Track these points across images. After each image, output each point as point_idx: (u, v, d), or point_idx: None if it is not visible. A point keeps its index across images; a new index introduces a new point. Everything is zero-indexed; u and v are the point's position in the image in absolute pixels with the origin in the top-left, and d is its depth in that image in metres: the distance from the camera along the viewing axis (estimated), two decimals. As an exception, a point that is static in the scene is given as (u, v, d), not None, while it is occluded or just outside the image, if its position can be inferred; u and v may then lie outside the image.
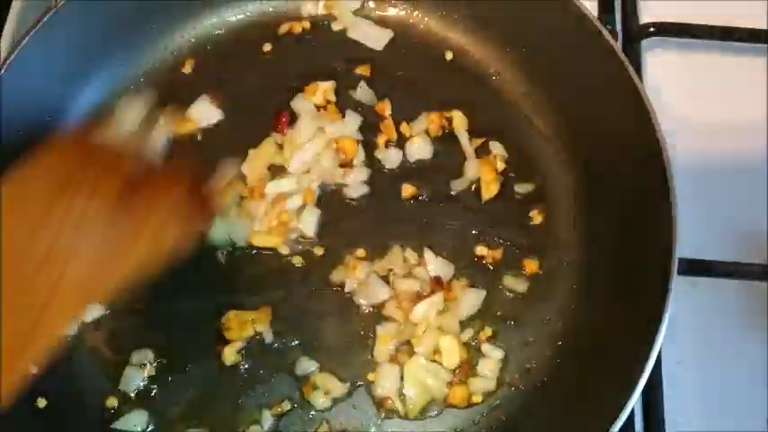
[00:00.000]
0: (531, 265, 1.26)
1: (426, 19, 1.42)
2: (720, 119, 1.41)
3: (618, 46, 1.22)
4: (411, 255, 1.26)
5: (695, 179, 1.31)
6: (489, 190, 1.30)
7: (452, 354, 1.20)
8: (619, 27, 1.47)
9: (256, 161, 1.31)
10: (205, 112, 1.36)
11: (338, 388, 1.19)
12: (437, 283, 1.23)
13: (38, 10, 1.25)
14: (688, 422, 1.20)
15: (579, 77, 1.28)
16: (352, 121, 1.33)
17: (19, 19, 1.43)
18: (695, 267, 1.22)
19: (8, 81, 1.20)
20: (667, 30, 1.45)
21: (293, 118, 1.34)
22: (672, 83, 1.43)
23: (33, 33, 1.22)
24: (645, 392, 1.10)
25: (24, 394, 1.09)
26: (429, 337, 1.20)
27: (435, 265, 1.25)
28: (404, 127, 1.34)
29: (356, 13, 1.42)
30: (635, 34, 1.45)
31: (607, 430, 1.03)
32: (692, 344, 1.24)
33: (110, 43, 1.34)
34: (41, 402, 1.15)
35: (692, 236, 1.21)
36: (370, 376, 1.20)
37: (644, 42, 1.45)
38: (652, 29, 1.45)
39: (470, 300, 1.22)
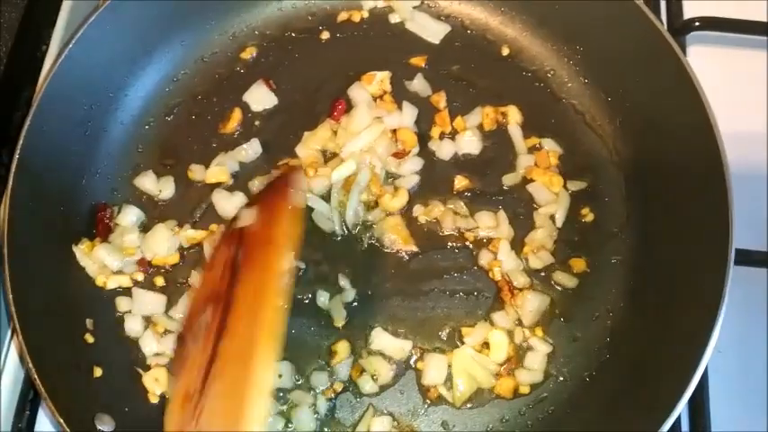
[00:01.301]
0: (580, 263, 1.26)
1: (484, 15, 1.43)
2: (762, 114, 1.41)
3: (677, 45, 1.22)
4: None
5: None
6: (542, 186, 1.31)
7: (501, 348, 1.20)
8: (664, 21, 1.46)
9: (311, 143, 1.33)
10: (261, 98, 1.38)
11: (386, 373, 1.20)
12: (508, 289, 1.24)
13: (87, 9, 1.28)
14: (728, 411, 1.19)
15: (635, 76, 1.29)
16: (410, 112, 1.35)
17: (69, 17, 1.46)
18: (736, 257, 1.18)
19: (75, 56, 1.24)
20: (713, 24, 1.45)
21: (349, 106, 1.36)
22: (714, 78, 1.42)
23: (99, 13, 1.25)
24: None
25: (81, 364, 1.14)
26: (480, 330, 1.21)
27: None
28: (458, 120, 1.35)
29: (415, 6, 1.44)
30: (680, 29, 1.45)
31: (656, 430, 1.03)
32: (730, 332, 1.21)
33: (172, 26, 1.37)
34: (97, 372, 1.17)
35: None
36: (419, 365, 1.20)
37: (687, 37, 1.45)
38: (697, 23, 1.44)
39: (534, 303, 1.23)
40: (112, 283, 1.24)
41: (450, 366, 1.20)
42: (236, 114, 1.36)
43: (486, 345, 1.21)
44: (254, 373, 0.90)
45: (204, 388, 0.96)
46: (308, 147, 1.33)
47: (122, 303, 1.24)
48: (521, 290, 1.24)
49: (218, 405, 0.93)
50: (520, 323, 1.22)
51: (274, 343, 0.93)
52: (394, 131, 1.33)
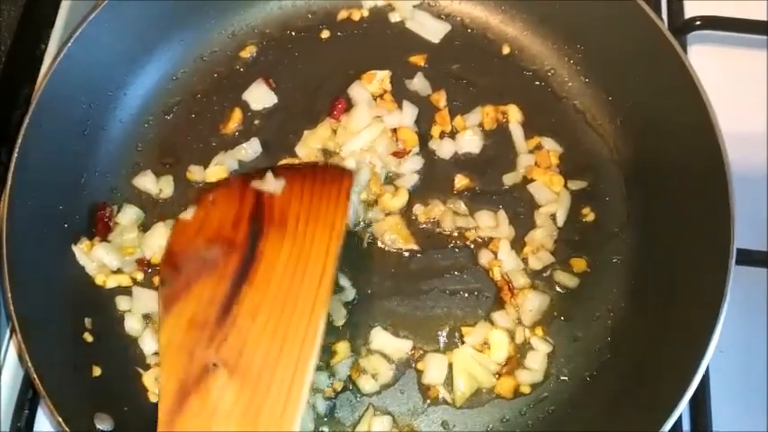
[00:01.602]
0: (581, 262, 1.26)
1: (485, 14, 1.42)
2: (763, 113, 1.41)
3: (678, 45, 1.22)
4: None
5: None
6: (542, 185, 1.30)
7: (501, 348, 1.20)
8: (665, 20, 1.46)
9: (311, 142, 1.33)
10: (260, 97, 1.37)
11: (385, 373, 1.19)
12: (508, 288, 1.24)
13: (86, 8, 1.27)
14: (729, 410, 1.19)
15: (636, 75, 1.29)
16: (410, 112, 1.34)
17: (68, 16, 1.45)
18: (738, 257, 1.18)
19: (74, 54, 1.23)
20: (714, 24, 1.45)
21: (349, 105, 1.35)
22: (715, 77, 1.41)
23: (98, 11, 1.25)
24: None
25: (80, 363, 1.14)
26: (480, 330, 1.21)
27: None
28: (458, 120, 1.35)
29: (415, 5, 1.43)
30: (681, 28, 1.45)
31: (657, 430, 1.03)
32: (731, 332, 1.21)
33: (171, 24, 1.37)
34: (96, 371, 1.16)
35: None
36: (419, 364, 1.20)
37: (688, 36, 1.45)
38: (698, 22, 1.44)
39: (534, 303, 1.23)
40: (112, 283, 1.24)
41: (450, 366, 1.19)
42: (237, 114, 1.36)
43: (486, 344, 1.21)
44: (306, 332, 1.07)
45: (223, 323, 1.08)
46: (308, 146, 1.33)
47: (122, 302, 1.23)
48: (521, 290, 1.23)
49: (254, 345, 1.06)
50: (520, 323, 1.22)
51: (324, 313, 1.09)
52: (394, 131, 1.33)
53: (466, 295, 1.24)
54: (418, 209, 1.29)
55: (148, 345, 1.20)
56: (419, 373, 1.20)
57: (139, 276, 1.25)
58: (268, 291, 1.10)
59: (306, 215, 1.17)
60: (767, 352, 1.23)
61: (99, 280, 1.24)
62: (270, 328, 1.07)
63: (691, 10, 1.47)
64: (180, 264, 1.16)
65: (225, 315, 1.09)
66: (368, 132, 1.31)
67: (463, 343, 1.21)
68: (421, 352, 1.21)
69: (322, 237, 1.14)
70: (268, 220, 1.17)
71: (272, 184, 1.21)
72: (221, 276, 1.12)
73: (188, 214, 1.23)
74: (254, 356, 1.06)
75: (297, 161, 1.32)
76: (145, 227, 1.28)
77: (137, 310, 1.23)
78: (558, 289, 1.25)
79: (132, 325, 1.22)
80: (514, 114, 1.35)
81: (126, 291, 1.24)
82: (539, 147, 1.34)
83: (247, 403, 1.03)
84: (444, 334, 1.22)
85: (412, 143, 1.32)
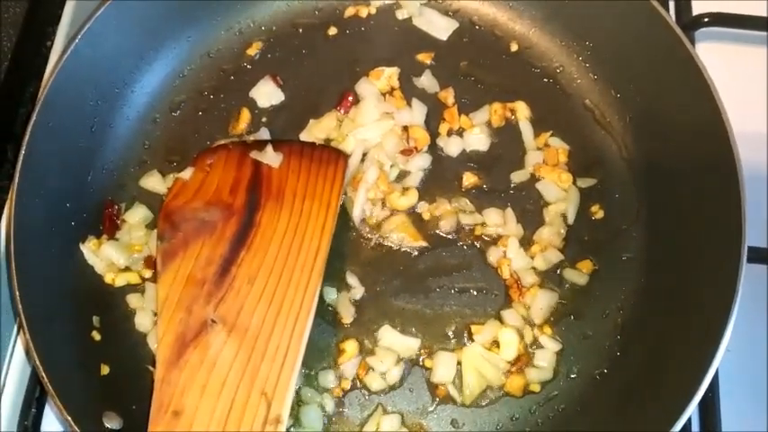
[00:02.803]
0: (590, 260, 1.25)
1: (492, 11, 1.42)
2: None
3: (688, 42, 1.21)
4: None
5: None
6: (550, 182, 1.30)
7: (511, 346, 1.19)
8: (672, 17, 1.44)
9: (315, 131, 1.33)
10: (267, 94, 1.37)
11: (394, 371, 1.19)
12: (517, 286, 1.23)
13: (90, 5, 1.27)
14: (736, 410, 1.18)
15: (646, 73, 1.28)
16: (420, 109, 1.34)
17: (74, 14, 1.45)
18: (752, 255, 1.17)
19: (81, 51, 1.23)
20: (721, 21, 1.44)
21: (357, 100, 1.35)
22: (723, 74, 1.40)
23: (105, 7, 1.24)
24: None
25: (88, 361, 1.13)
26: (489, 328, 1.20)
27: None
28: (463, 119, 1.34)
29: (423, 3, 1.43)
30: (689, 25, 1.44)
31: (667, 429, 1.02)
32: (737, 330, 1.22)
33: (179, 21, 1.36)
34: (105, 369, 1.16)
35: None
36: (427, 363, 1.20)
37: (696, 33, 1.44)
38: (706, 19, 1.44)
39: (544, 301, 1.22)
40: (121, 281, 1.24)
41: (459, 364, 1.19)
42: (245, 115, 1.35)
43: (495, 343, 1.20)
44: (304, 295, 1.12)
45: (222, 283, 1.13)
46: (313, 135, 1.32)
47: (133, 300, 1.23)
48: (530, 287, 1.23)
49: (252, 307, 1.11)
50: (529, 321, 1.21)
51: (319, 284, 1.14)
52: (403, 128, 1.32)
53: (474, 293, 1.24)
54: (426, 207, 1.29)
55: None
56: (428, 371, 1.19)
57: (148, 274, 1.24)
58: (266, 258, 1.15)
59: (303, 191, 1.22)
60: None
61: (108, 278, 1.24)
62: (267, 294, 1.12)
63: (698, 7, 1.46)
64: (177, 221, 1.20)
65: (223, 276, 1.13)
66: (376, 127, 1.31)
67: (472, 341, 1.20)
68: (429, 350, 1.20)
69: (318, 214, 1.19)
70: (266, 192, 1.22)
71: (270, 157, 1.25)
72: (220, 238, 1.17)
73: (186, 174, 1.26)
74: (252, 318, 1.10)
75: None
76: (153, 224, 1.27)
77: (149, 306, 1.22)
78: (567, 287, 1.24)
79: (142, 321, 1.22)
80: (522, 112, 1.35)
81: (135, 288, 1.24)
82: (547, 144, 1.33)
83: (246, 360, 1.07)
84: (453, 332, 1.21)
85: (424, 141, 1.31)
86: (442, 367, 1.19)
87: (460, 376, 1.18)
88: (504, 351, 1.19)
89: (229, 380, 1.06)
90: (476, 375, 1.18)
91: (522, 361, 1.19)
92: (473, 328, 1.21)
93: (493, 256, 1.25)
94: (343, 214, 1.27)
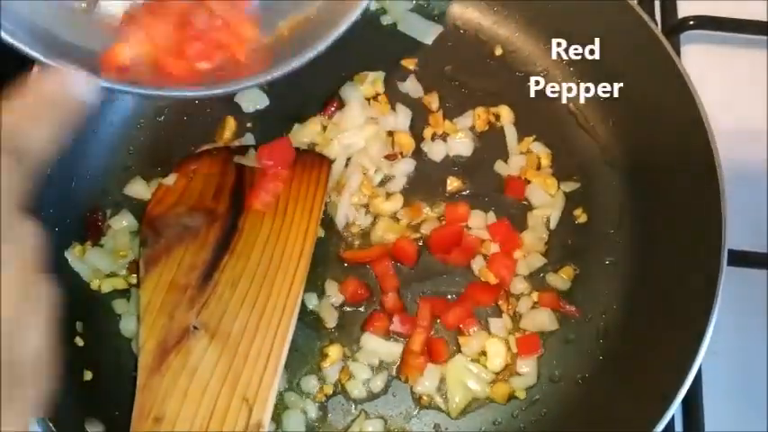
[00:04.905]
0: (573, 264, 1.26)
1: (477, 15, 1.42)
2: (757, 114, 1.40)
3: (670, 46, 1.22)
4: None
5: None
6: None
7: (498, 357, 1.19)
8: (658, 20, 1.45)
9: (300, 136, 1.33)
10: (252, 98, 1.37)
11: (376, 377, 1.19)
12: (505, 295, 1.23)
13: None
14: (723, 411, 1.19)
15: (629, 76, 1.28)
16: (404, 115, 1.34)
17: None
18: (732, 258, 1.17)
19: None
20: (707, 23, 1.43)
21: (341, 105, 1.35)
22: (709, 77, 1.40)
23: (90, 13, 1.24)
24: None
25: (71, 367, 1.13)
26: (477, 340, 1.20)
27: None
28: (447, 124, 1.34)
29: (408, 8, 1.42)
30: (674, 27, 1.44)
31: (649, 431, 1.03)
32: (725, 334, 1.20)
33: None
34: (87, 375, 1.16)
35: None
36: (410, 376, 1.19)
37: (682, 36, 1.44)
38: (692, 22, 1.43)
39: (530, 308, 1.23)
40: (107, 287, 1.23)
41: (443, 375, 1.19)
42: (230, 123, 1.35)
43: (482, 353, 1.20)
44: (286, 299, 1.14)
45: (204, 289, 1.15)
46: (297, 140, 1.32)
47: (119, 305, 1.23)
48: (518, 296, 1.23)
49: (234, 313, 1.13)
50: (516, 329, 1.21)
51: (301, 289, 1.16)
52: (388, 133, 1.32)
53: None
54: (410, 212, 1.29)
55: (141, 348, 1.20)
56: (411, 382, 1.19)
57: (134, 279, 1.24)
58: (248, 263, 1.17)
59: (286, 196, 1.23)
60: (766, 354, 1.23)
61: (94, 284, 1.23)
62: (250, 299, 1.14)
63: (684, 10, 1.46)
64: (160, 227, 1.21)
65: (206, 281, 1.15)
66: (361, 132, 1.31)
67: (459, 351, 1.20)
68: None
69: (302, 218, 1.20)
70: (255, 198, 1.23)
71: (253, 162, 1.27)
72: (203, 244, 1.19)
73: (170, 180, 1.27)
74: (234, 323, 1.12)
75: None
76: (138, 230, 1.27)
77: (134, 311, 1.22)
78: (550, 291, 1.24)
79: (127, 326, 1.21)
80: (506, 116, 1.35)
81: (122, 294, 1.24)
82: (530, 148, 1.33)
83: (227, 366, 1.08)
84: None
85: (408, 147, 1.32)
86: (425, 379, 1.18)
87: (445, 387, 1.18)
88: (492, 362, 1.19)
89: (211, 385, 1.07)
90: (462, 388, 1.18)
91: (509, 370, 1.19)
92: (460, 339, 1.20)
93: (477, 262, 1.25)
94: (327, 219, 1.28)
